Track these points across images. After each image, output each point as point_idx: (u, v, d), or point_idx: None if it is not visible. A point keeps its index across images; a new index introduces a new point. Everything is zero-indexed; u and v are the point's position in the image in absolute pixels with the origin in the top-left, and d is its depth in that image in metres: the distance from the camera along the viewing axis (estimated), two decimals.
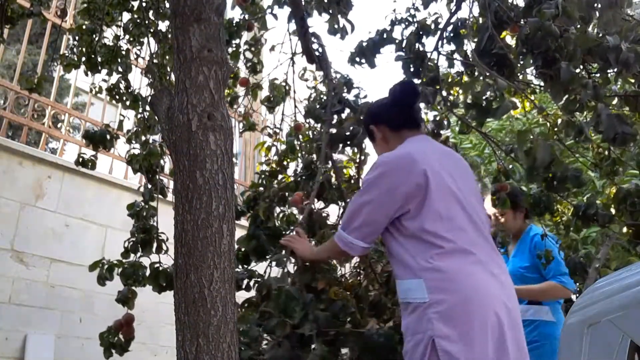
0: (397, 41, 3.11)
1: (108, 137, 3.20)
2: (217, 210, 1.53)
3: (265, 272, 2.19)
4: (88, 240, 4.32)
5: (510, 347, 1.51)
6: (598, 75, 2.44)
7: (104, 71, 3.42)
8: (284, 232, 2.50)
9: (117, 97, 3.46)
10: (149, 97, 2.72)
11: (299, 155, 2.91)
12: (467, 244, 1.60)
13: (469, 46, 2.73)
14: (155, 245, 2.84)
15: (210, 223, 1.52)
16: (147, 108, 3.27)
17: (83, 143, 3.52)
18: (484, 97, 2.46)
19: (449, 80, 2.97)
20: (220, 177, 1.56)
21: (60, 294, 4.07)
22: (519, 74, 2.64)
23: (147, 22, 3.36)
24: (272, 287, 1.95)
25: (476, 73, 2.72)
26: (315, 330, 1.89)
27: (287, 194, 2.67)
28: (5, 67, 8.09)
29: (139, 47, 3.67)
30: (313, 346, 1.90)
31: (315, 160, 2.62)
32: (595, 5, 2.18)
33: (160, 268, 2.66)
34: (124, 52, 3.43)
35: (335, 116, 2.65)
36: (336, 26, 3.22)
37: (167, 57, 3.42)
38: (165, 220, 2.83)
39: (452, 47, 2.97)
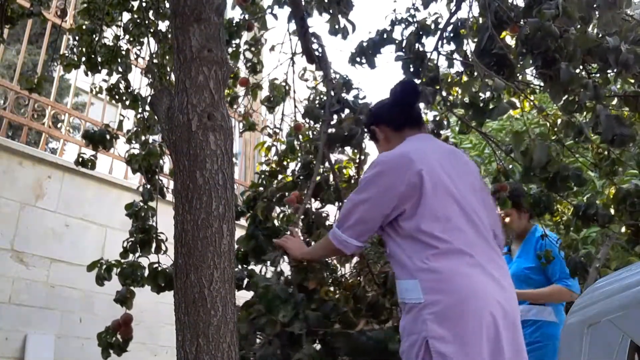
0: (397, 41, 3.11)
1: (108, 137, 3.20)
2: (217, 210, 1.53)
3: (260, 271, 2.20)
4: (88, 240, 4.32)
5: (505, 348, 1.50)
6: (598, 75, 2.44)
7: (104, 71, 3.42)
8: (284, 232, 2.50)
9: (117, 97, 3.46)
10: (149, 97, 2.72)
11: (299, 155, 2.91)
12: (463, 244, 1.59)
13: (469, 46, 2.73)
14: (154, 245, 2.84)
15: (210, 223, 1.52)
16: (147, 108, 3.27)
17: (83, 143, 3.52)
18: (481, 98, 2.46)
19: (449, 80, 2.97)
20: (220, 177, 1.56)
21: (60, 294, 4.07)
22: (518, 74, 2.64)
23: (147, 22, 3.36)
24: (259, 286, 1.96)
25: (475, 73, 2.72)
26: (305, 329, 1.89)
27: (286, 193, 2.67)
28: (5, 67, 8.09)
29: (139, 47, 3.67)
30: (303, 345, 1.90)
31: (312, 160, 2.62)
32: (595, 5, 2.18)
33: (159, 268, 2.66)
34: (124, 52, 3.43)
35: (335, 116, 2.65)
36: (337, 26, 3.22)
37: (167, 57, 3.42)
38: (164, 220, 2.83)
39: (452, 47, 2.97)
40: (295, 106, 3.27)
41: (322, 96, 3.08)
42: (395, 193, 1.64)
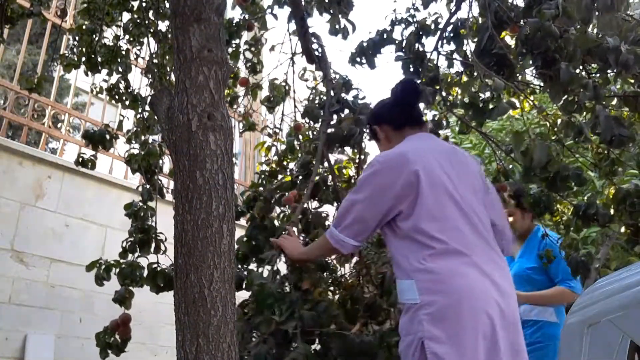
0: (397, 41, 3.11)
1: (107, 137, 3.19)
2: (217, 210, 1.53)
3: (257, 270, 2.20)
4: (88, 240, 4.32)
5: (502, 348, 1.50)
6: (598, 75, 2.44)
7: (104, 71, 3.42)
8: (283, 232, 2.50)
9: (117, 97, 3.45)
10: (149, 97, 2.72)
11: (299, 155, 2.91)
12: (460, 244, 1.58)
13: (469, 46, 2.73)
14: (153, 245, 2.83)
15: (210, 223, 1.52)
16: (147, 108, 3.26)
17: (83, 143, 3.52)
18: (480, 98, 2.46)
19: (449, 80, 2.97)
20: (220, 177, 1.56)
21: (60, 294, 4.07)
22: (518, 74, 2.64)
23: (147, 22, 3.36)
24: (254, 284, 1.96)
25: (475, 73, 2.72)
26: (300, 329, 1.89)
27: (286, 193, 2.67)
28: (5, 67, 8.09)
29: (139, 47, 3.67)
30: (296, 344, 1.90)
31: (312, 160, 2.62)
32: (595, 6, 2.18)
33: (158, 269, 2.65)
34: (124, 52, 3.43)
35: (335, 116, 2.65)
36: (337, 26, 3.22)
37: (167, 57, 3.42)
38: (164, 220, 2.83)
39: (452, 47, 2.98)
40: (295, 106, 3.27)
41: (322, 96, 3.08)
42: (391, 192, 1.64)
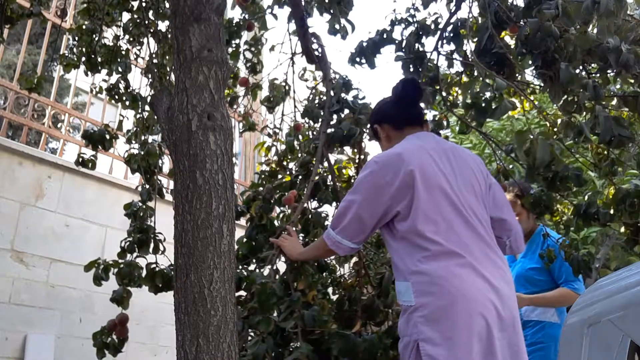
0: (397, 41, 3.11)
1: (107, 137, 3.19)
2: (217, 210, 1.53)
3: (255, 269, 2.21)
4: (88, 240, 4.32)
5: (498, 349, 1.49)
6: (598, 75, 2.44)
7: (104, 71, 3.42)
8: (282, 232, 2.50)
9: (117, 97, 3.45)
10: (149, 97, 2.72)
11: (299, 155, 2.91)
12: (456, 245, 1.57)
13: (469, 46, 2.73)
14: (152, 245, 2.83)
15: (210, 223, 1.52)
16: (147, 108, 3.26)
17: (83, 143, 3.52)
18: (482, 98, 2.46)
19: (449, 80, 2.97)
20: (220, 177, 1.56)
21: (60, 294, 4.06)
22: (518, 74, 2.64)
23: (147, 22, 3.35)
24: (255, 283, 1.96)
25: (475, 73, 2.72)
26: (300, 328, 1.89)
27: (285, 193, 2.67)
28: (5, 67, 8.09)
29: (139, 47, 3.67)
30: (297, 344, 1.90)
31: (311, 160, 2.62)
32: (596, 9, 2.18)
33: (157, 269, 2.65)
34: (123, 52, 3.42)
35: (335, 116, 2.65)
36: (337, 26, 3.22)
37: (167, 57, 3.42)
38: (163, 220, 2.83)
39: (452, 47, 2.97)
40: (295, 106, 3.27)
41: (321, 96, 3.08)
42: (388, 193, 1.63)
